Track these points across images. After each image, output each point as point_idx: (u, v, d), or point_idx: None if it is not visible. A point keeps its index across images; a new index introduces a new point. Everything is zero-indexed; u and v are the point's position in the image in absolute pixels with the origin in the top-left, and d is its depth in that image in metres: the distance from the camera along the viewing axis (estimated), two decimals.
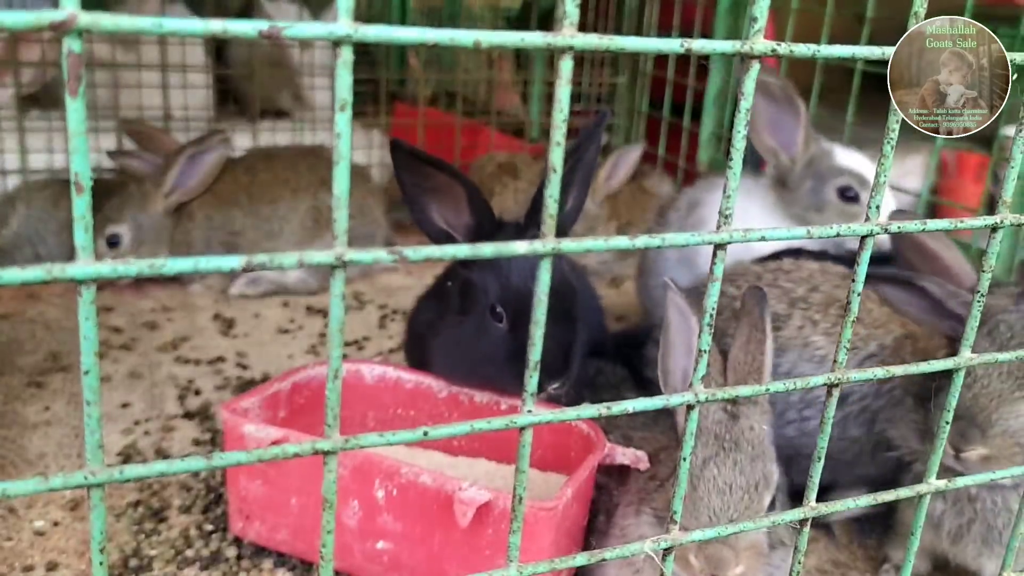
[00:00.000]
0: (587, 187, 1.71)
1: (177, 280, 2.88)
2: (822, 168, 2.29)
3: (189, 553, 1.62)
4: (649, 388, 1.91)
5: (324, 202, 2.89)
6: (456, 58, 4.64)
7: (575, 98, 4.18)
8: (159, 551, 1.62)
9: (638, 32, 3.98)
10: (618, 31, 4.07)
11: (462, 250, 0.72)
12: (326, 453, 0.73)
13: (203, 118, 3.64)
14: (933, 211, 3.14)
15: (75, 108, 0.60)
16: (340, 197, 0.68)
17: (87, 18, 0.58)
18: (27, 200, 2.89)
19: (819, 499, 0.99)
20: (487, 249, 0.73)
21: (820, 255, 2.14)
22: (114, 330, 2.55)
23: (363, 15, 3.49)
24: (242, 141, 3.36)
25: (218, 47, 3.88)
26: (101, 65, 3.33)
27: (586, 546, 1.61)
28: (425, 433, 0.76)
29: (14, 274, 0.61)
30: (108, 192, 3.03)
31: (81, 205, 0.61)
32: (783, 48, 0.79)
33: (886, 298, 1.73)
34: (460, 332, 1.73)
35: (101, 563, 0.70)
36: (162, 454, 1.93)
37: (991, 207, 3.68)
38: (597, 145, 1.69)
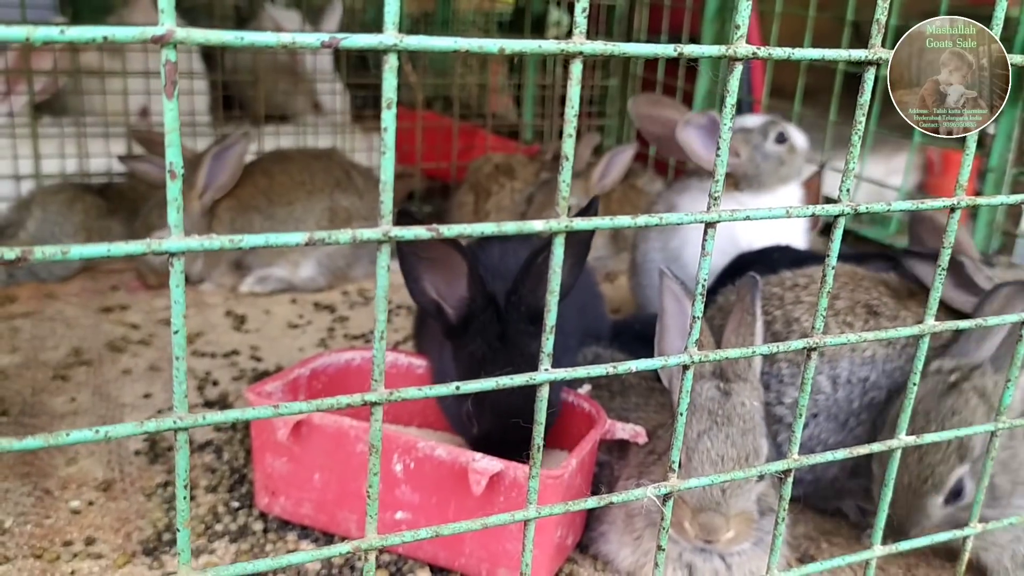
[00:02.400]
0: (581, 263, 1.67)
1: (189, 280, 2.99)
2: (755, 140, 2.49)
3: (218, 527, 1.73)
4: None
5: (339, 203, 3.01)
6: (450, 64, 4.77)
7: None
8: (190, 526, 1.73)
9: (628, 37, 4.11)
10: (609, 36, 4.20)
11: (489, 227, 0.84)
12: (373, 404, 0.85)
13: (207, 123, 3.76)
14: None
15: (171, 108, 0.71)
16: (387, 182, 0.80)
17: (182, 32, 0.70)
18: (42, 204, 3.00)
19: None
20: (510, 227, 0.85)
21: (807, 254, 2.28)
22: (132, 326, 2.66)
23: (358, 19, 3.60)
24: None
25: (208, 54, 3.97)
26: (112, 74, 3.44)
27: (589, 516, 1.73)
28: (457, 387, 0.88)
29: (120, 248, 0.72)
30: (122, 197, 3.15)
31: (174, 189, 0.73)
32: (763, 51, 0.91)
33: (917, 274, 1.87)
34: (443, 360, 1.78)
35: (185, 497, 0.82)
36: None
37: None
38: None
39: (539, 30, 4.46)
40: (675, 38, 3.76)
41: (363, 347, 2.01)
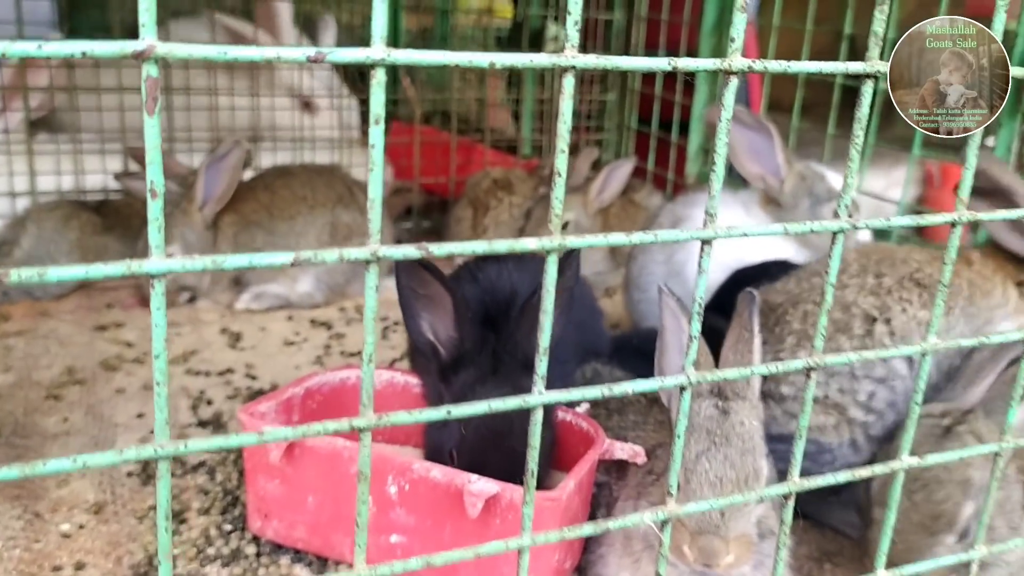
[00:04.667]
0: (567, 311, 1.63)
1: (191, 297, 2.97)
2: (818, 190, 2.43)
3: (210, 551, 1.70)
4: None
5: (340, 218, 3.00)
6: (448, 78, 4.77)
7: None
8: (181, 550, 1.70)
9: (625, 51, 4.10)
10: (606, 50, 4.19)
11: (480, 246, 0.82)
12: (361, 430, 0.82)
13: (205, 139, 3.74)
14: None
15: (151, 124, 0.69)
16: (375, 200, 0.78)
17: (163, 47, 0.68)
18: (38, 221, 2.98)
19: None
20: (501, 245, 0.83)
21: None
22: (127, 344, 2.63)
23: (356, 35, 3.59)
24: None
25: None
26: (108, 90, 3.42)
27: (587, 538, 1.70)
28: (448, 412, 0.86)
29: (99, 269, 0.70)
30: (118, 214, 3.13)
31: (155, 208, 0.71)
32: (758, 65, 0.89)
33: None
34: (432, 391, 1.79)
35: (166, 529, 0.79)
36: (179, 461, 2.01)
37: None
38: (574, 271, 1.67)
39: (537, 45, 4.46)
40: (673, 52, 3.75)
41: (358, 366, 1.98)
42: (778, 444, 1.83)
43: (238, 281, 2.98)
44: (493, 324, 1.75)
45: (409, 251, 0.80)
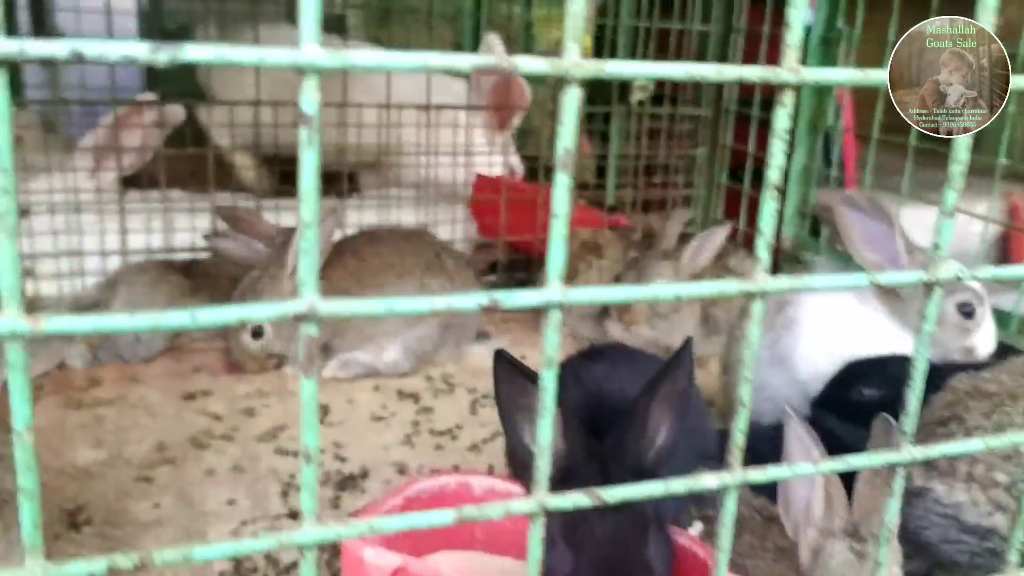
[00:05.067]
0: (681, 416, 1.53)
1: (279, 363, 2.95)
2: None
3: None
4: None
5: (428, 286, 2.94)
6: (535, 123, 4.67)
7: (651, 170, 4.19)
8: None
9: (717, 103, 3.98)
10: (696, 103, 4.09)
11: (656, 488, 0.73)
12: None
13: (291, 192, 3.73)
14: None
15: (309, 385, 0.62)
16: (543, 445, 0.70)
17: (325, 306, 0.61)
18: (128, 283, 2.99)
19: None
20: (678, 486, 0.74)
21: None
22: (215, 417, 2.60)
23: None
24: None
25: None
26: (199, 147, 3.43)
27: None
28: None
29: (249, 544, 0.63)
30: (206, 275, 3.13)
31: (309, 474, 0.64)
32: (964, 273, 0.79)
33: None
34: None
35: None
36: (272, 561, 1.96)
37: None
38: (688, 372, 1.54)
39: (624, 93, 4.35)
40: (766, 109, 3.63)
41: (460, 472, 1.91)
42: (969, 536, 1.72)
43: (325, 348, 2.94)
44: (599, 430, 1.66)
45: (580, 499, 0.72)
